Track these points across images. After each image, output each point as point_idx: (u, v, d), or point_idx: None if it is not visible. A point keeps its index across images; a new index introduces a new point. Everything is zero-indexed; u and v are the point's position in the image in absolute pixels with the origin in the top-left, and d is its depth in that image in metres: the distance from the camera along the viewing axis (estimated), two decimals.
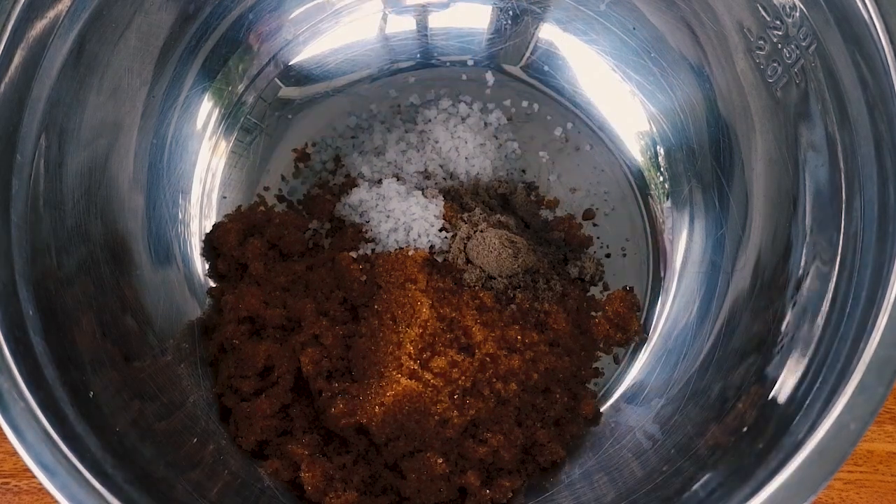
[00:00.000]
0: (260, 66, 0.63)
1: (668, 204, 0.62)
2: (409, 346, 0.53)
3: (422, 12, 0.66)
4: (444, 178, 0.63)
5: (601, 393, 0.58)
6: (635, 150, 0.64)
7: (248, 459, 0.53)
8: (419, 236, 0.59)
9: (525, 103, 0.66)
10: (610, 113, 0.65)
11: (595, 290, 0.61)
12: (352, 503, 0.51)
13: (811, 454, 0.39)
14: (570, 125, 0.66)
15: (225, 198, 0.63)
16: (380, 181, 0.61)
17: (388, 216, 0.59)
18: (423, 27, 0.67)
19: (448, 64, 0.67)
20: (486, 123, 0.65)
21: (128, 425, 0.47)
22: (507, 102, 0.66)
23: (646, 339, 0.60)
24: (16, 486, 0.57)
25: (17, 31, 0.45)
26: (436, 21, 0.67)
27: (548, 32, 0.65)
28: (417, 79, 0.67)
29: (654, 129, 0.63)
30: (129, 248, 0.55)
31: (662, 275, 0.61)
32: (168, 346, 0.54)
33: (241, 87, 0.63)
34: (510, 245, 0.58)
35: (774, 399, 0.45)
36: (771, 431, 0.43)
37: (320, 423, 0.54)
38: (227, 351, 0.56)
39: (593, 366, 0.59)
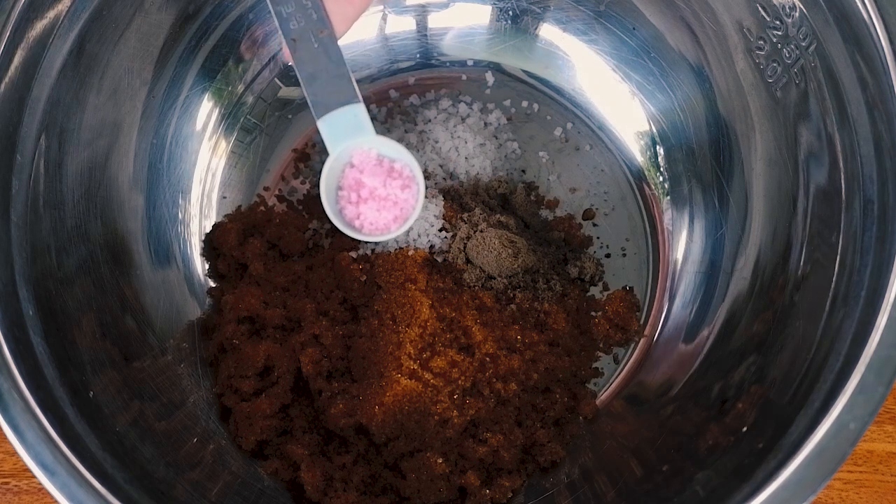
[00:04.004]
0: (260, 66, 0.64)
1: (667, 204, 0.63)
2: (408, 346, 0.53)
3: (422, 12, 0.66)
4: (444, 178, 0.63)
5: (601, 393, 0.58)
6: (635, 150, 0.64)
7: (248, 459, 0.53)
8: (419, 236, 0.59)
9: (525, 103, 0.66)
10: (610, 113, 0.65)
11: (595, 290, 0.61)
12: (352, 503, 0.51)
13: (811, 454, 0.39)
14: (570, 125, 0.66)
15: (225, 198, 0.63)
16: None
17: None
18: (423, 27, 0.67)
19: (448, 64, 0.67)
20: (485, 123, 0.65)
21: (128, 425, 0.47)
22: (507, 102, 0.66)
23: (646, 338, 0.60)
24: (16, 486, 0.57)
25: (17, 31, 0.45)
26: (436, 21, 0.67)
27: (548, 32, 0.65)
28: (417, 79, 0.67)
29: (654, 129, 0.63)
30: (129, 248, 0.55)
31: (662, 275, 0.61)
32: (168, 346, 0.54)
33: (240, 87, 0.63)
34: (510, 245, 0.58)
35: (774, 399, 0.45)
36: (771, 431, 0.43)
37: (320, 423, 0.54)
38: (226, 351, 0.56)
39: (593, 366, 0.59)
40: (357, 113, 0.47)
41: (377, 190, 0.50)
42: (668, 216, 0.62)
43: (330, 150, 0.49)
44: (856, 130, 0.46)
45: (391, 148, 0.50)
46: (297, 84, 0.65)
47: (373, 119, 0.65)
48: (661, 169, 0.63)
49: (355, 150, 0.49)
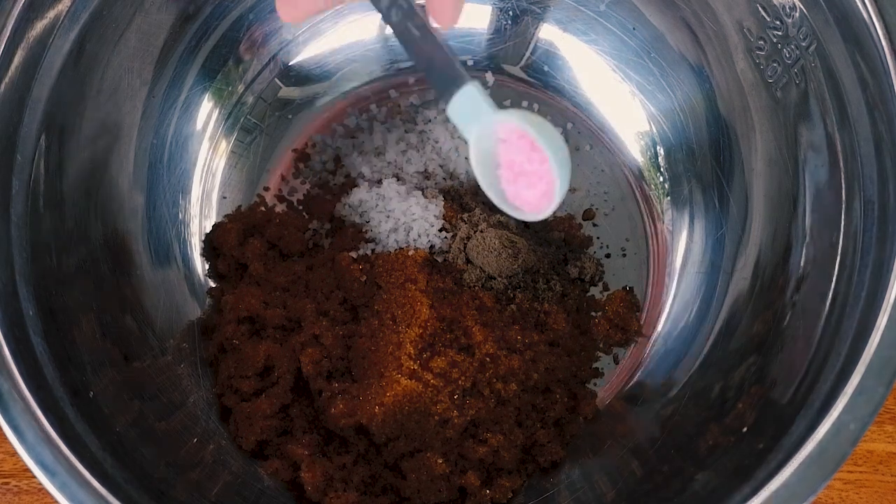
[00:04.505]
0: (260, 66, 0.63)
1: (667, 204, 0.63)
2: (409, 346, 0.53)
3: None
4: (444, 178, 0.63)
5: (601, 393, 0.58)
6: (635, 150, 0.64)
7: (248, 459, 0.53)
8: (419, 236, 0.59)
9: (525, 103, 0.66)
10: (610, 113, 0.65)
11: (595, 290, 0.61)
12: (352, 503, 0.51)
13: (811, 454, 0.39)
14: (570, 125, 0.66)
15: (225, 198, 0.63)
16: (380, 181, 0.61)
17: (388, 216, 0.59)
18: None
19: None
20: None
21: (128, 425, 0.47)
22: (507, 102, 0.66)
23: (646, 338, 0.60)
24: (16, 486, 0.57)
25: (17, 31, 0.45)
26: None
27: (548, 32, 0.65)
28: (417, 79, 0.67)
29: (654, 129, 0.63)
30: (129, 248, 0.55)
31: (662, 275, 0.61)
32: (168, 346, 0.54)
33: (241, 87, 0.63)
34: (510, 245, 0.58)
35: (774, 399, 0.45)
36: (771, 431, 0.43)
37: (320, 423, 0.54)
38: (227, 351, 0.56)
39: (593, 366, 0.59)
40: (471, 94, 0.43)
41: (523, 165, 0.45)
42: (668, 216, 0.62)
43: (465, 136, 0.45)
44: (856, 130, 0.46)
45: (524, 119, 0.44)
46: (297, 84, 0.65)
47: (373, 119, 0.65)
48: (661, 169, 0.63)
49: (498, 125, 0.45)
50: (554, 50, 0.66)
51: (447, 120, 0.64)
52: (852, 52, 0.46)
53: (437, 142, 0.63)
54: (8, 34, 0.45)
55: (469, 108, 0.44)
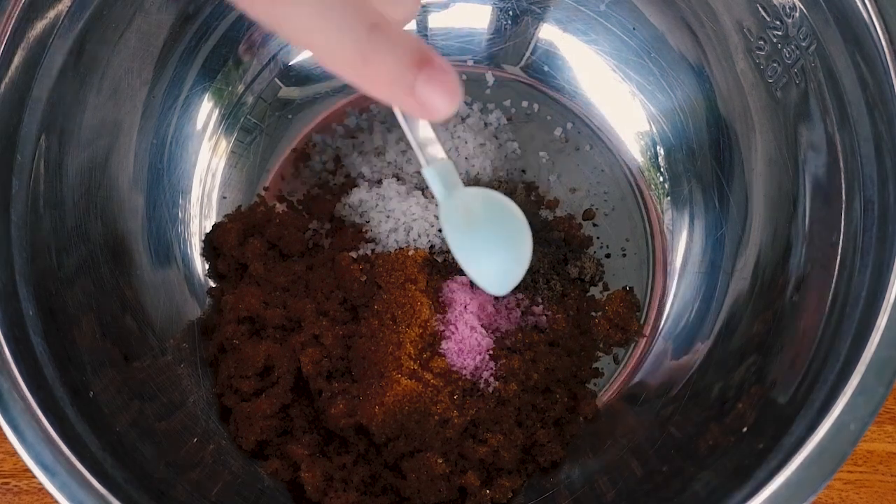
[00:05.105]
0: (260, 66, 0.64)
1: (667, 204, 0.63)
2: (409, 346, 0.53)
3: (422, 12, 0.66)
4: None
5: (601, 393, 0.58)
6: (635, 150, 0.64)
7: (248, 459, 0.53)
8: (419, 236, 0.59)
9: (525, 103, 0.66)
10: (610, 113, 0.65)
11: (595, 290, 0.61)
12: (352, 503, 0.51)
13: (811, 454, 0.39)
14: (570, 125, 0.66)
15: (225, 198, 0.63)
16: (380, 181, 0.61)
17: (388, 216, 0.59)
18: (423, 27, 0.67)
19: None
20: (486, 123, 0.65)
21: (128, 425, 0.47)
22: (507, 102, 0.66)
23: (646, 338, 0.60)
24: (16, 486, 0.57)
25: (17, 31, 0.45)
26: (436, 21, 0.67)
27: (548, 32, 0.65)
28: None
29: (654, 129, 0.63)
30: (129, 248, 0.55)
31: (662, 275, 0.61)
32: (168, 346, 0.54)
33: (241, 87, 0.63)
34: None
35: (774, 399, 0.45)
36: (771, 431, 0.43)
37: (320, 423, 0.54)
38: (226, 351, 0.56)
39: (593, 366, 0.59)
40: (429, 176, 0.45)
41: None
42: (668, 216, 0.62)
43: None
44: (856, 130, 0.46)
45: (448, 232, 0.46)
46: (297, 84, 0.65)
47: (373, 119, 0.65)
48: (661, 169, 0.63)
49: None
50: (554, 50, 0.66)
51: (447, 119, 0.64)
52: (852, 52, 0.46)
53: None
54: (8, 34, 0.45)
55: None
